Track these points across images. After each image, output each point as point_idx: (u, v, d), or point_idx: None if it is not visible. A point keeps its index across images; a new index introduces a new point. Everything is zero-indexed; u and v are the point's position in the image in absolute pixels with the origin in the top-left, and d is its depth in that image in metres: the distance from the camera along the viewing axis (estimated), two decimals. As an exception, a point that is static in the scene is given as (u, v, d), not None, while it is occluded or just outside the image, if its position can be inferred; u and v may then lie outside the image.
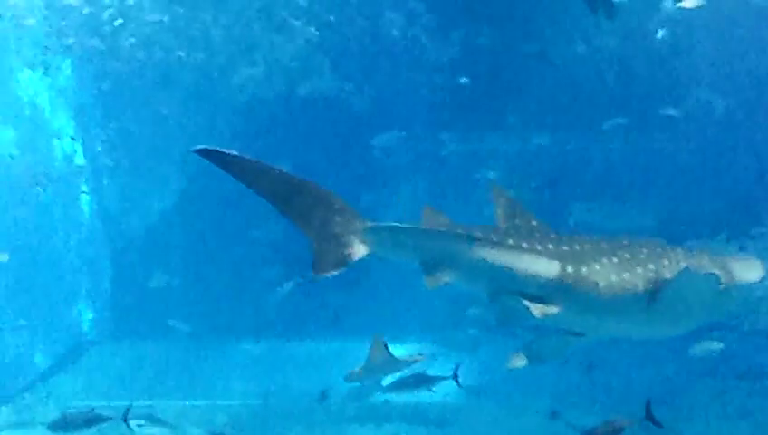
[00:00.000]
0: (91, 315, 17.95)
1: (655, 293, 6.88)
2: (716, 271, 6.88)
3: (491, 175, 15.06)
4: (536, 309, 6.67)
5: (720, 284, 6.86)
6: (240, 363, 15.49)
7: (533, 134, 16.08)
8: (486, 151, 16.23)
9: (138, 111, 16.85)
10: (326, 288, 15.39)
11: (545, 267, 6.78)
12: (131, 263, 17.04)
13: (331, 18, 15.96)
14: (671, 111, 14.77)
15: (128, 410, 10.60)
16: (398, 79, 16.22)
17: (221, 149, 6.07)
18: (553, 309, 6.73)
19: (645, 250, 7.15)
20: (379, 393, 13.25)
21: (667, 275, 6.89)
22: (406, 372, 12.27)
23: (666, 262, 6.99)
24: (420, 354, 12.37)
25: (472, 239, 6.59)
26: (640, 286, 6.88)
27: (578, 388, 13.00)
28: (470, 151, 16.31)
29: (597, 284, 6.83)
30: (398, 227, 6.59)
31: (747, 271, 7.23)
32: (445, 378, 12.02)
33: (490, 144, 16.26)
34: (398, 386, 12.28)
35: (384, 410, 13.20)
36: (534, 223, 7.22)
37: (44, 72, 16.52)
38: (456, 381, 11.97)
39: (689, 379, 12.81)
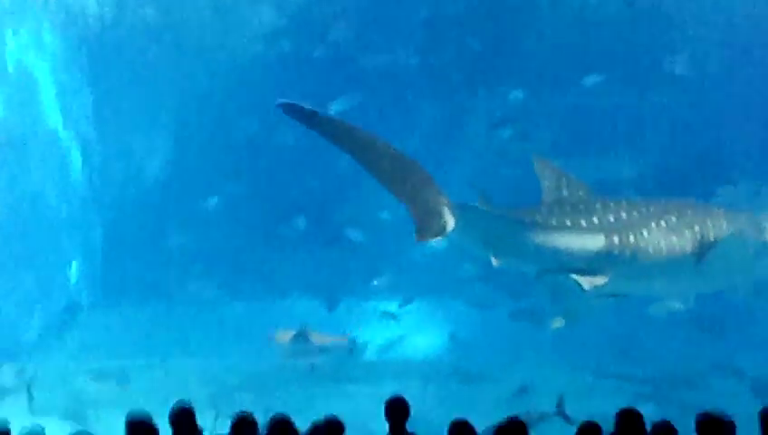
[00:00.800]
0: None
1: (702, 254, 7.37)
2: (754, 231, 7.33)
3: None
4: (586, 282, 7.07)
5: (759, 243, 7.37)
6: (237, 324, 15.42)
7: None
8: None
9: (123, 71, 16.73)
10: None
11: (591, 241, 7.16)
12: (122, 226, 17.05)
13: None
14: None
15: None
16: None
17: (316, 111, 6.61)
18: (602, 279, 7.13)
19: (690, 212, 7.58)
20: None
21: (712, 237, 7.36)
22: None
23: (710, 223, 7.45)
24: (344, 335, 12.94)
25: (517, 223, 6.97)
26: (688, 249, 7.36)
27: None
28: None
29: (647, 249, 7.27)
30: (478, 208, 7.06)
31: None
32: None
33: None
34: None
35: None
36: (582, 192, 7.55)
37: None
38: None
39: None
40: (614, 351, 12.79)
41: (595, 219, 7.19)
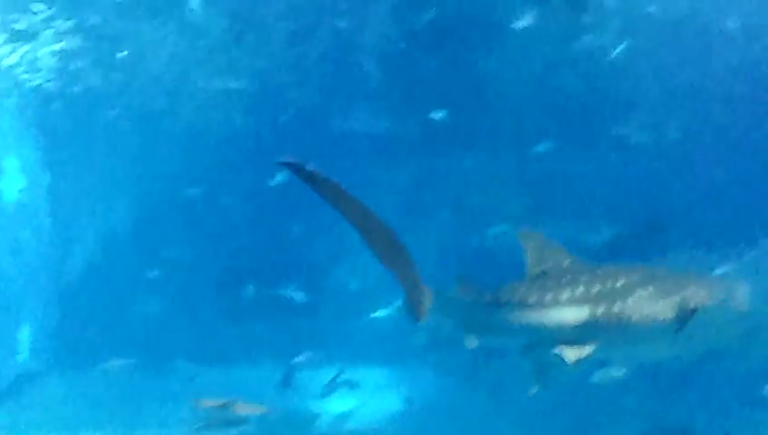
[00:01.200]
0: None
1: (684, 321, 7.24)
2: (729, 297, 7.29)
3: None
4: (570, 355, 6.95)
5: (733, 309, 7.36)
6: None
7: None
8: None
9: (68, 137, 16.50)
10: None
11: (574, 314, 7.07)
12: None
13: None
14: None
15: None
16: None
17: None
18: (587, 350, 7.02)
19: (671, 279, 7.54)
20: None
21: (693, 304, 7.25)
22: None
23: (690, 290, 7.32)
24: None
25: (498, 305, 6.87)
26: (670, 316, 7.26)
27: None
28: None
29: (630, 318, 7.18)
30: (453, 296, 6.90)
31: (743, 294, 7.76)
32: None
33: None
34: None
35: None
36: (567, 262, 7.47)
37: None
38: None
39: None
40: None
41: (580, 290, 7.08)
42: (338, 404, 14.69)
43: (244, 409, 12.08)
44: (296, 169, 6.02)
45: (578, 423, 12.72)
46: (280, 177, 13.62)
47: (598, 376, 11.08)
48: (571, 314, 6.97)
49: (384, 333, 14.91)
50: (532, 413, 12.33)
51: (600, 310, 7.06)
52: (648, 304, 7.23)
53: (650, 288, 7.31)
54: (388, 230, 6.47)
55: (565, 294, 7.00)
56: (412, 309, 6.80)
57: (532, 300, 6.97)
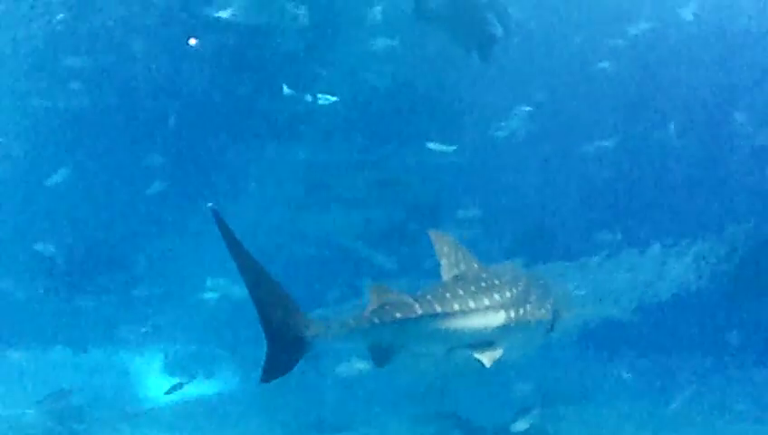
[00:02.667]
0: None
1: (554, 322, 8.20)
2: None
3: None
4: (486, 358, 7.24)
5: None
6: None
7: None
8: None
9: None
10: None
11: (494, 319, 7.40)
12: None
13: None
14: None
15: None
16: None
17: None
18: (498, 352, 7.35)
19: (545, 286, 8.28)
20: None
21: (557, 308, 8.24)
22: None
23: (556, 296, 8.29)
24: None
25: (419, 319, 6.84)
26: (548, 318, 8.09)
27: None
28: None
29: (530, 321, 7.77)
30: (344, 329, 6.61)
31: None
32: None
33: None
34: None
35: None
36: (476, 266, 7.73)
37: None
38: None
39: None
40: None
41: (496, 296, 7.43)
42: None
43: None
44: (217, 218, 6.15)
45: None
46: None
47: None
48: (491, 320, 7.27)
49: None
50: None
51: (513, 314, 7.42)
52: (538, 308, 7.98)
53: (537, 293, 8.07)
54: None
55: (486, 300, 7.26)
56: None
57: (454, 307, 7.08)
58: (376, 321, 6.70)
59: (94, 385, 14.69)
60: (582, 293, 13.30)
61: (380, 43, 14.21)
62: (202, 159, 15.80)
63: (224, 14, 13.62)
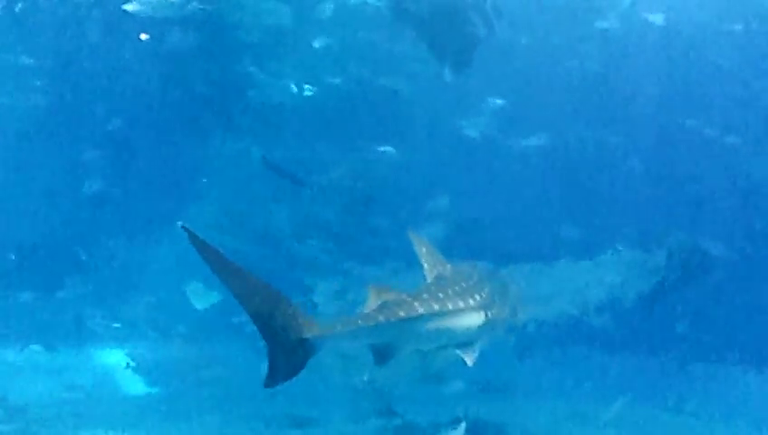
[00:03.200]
0: None
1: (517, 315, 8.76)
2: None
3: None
4: (468, 357, 7.31)
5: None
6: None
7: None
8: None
9: None
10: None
11: (476, 319, 7.48)
12: None
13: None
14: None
15: None
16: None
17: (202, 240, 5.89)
18: (476, 350, 7.43)
19: (506, 285, 8.67)
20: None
21: (516, 305, 8.73)
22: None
23: (513, 295, 8.74)
24: None
25: (420, 318, 6.84)
26: (510, 316, 8.47)
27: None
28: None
29: (502, 320, 8.04)
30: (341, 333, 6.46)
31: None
32: None
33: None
34: None
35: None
36: (448, 266, 7.80)
37: None
38: None
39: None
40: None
41: (477, 296, 7.52)
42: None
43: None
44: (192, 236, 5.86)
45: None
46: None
47: None
48: (474, 319, 7.36)
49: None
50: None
51: (489, 313, 7.52)
52: (504, 305, 8.26)
53: (501, 292, 8.36)
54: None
55: (470, 300, 7.33)
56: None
57: (447, 307, 7.18)
58: (381, 319, 6.67)
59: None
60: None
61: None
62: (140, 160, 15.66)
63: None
